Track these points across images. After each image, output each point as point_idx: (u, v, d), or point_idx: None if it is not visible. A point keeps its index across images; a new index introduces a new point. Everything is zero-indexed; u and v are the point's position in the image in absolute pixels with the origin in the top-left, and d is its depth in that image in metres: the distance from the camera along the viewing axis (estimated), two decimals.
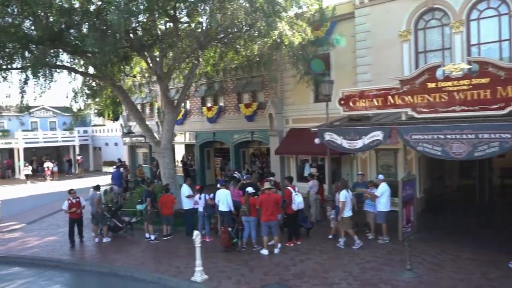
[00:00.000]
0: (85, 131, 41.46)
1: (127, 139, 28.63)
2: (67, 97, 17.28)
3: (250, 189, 12.00)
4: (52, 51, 14.36)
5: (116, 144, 38.89)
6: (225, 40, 15.58)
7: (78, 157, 38.81)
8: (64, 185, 30.80)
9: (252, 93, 21.52)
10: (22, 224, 17.17)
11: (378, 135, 11.18)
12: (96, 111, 40.33)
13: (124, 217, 14.35)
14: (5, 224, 17.40)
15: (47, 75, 15.62)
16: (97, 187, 14.97)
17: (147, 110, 29.19)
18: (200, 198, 13.18)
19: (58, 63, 15.61)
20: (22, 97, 15.33)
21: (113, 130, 39.32)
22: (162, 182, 16.32)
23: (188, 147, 26.08)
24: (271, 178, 14.26)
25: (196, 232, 9.67)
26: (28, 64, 15.21)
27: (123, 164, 25.41)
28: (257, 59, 16.32)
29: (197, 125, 24.43)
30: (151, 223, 13.60)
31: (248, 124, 21.51)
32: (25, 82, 15.03)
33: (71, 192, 13.75)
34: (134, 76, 20.07)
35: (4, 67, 14.32)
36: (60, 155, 41.40)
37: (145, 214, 13.76)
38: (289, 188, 12.30)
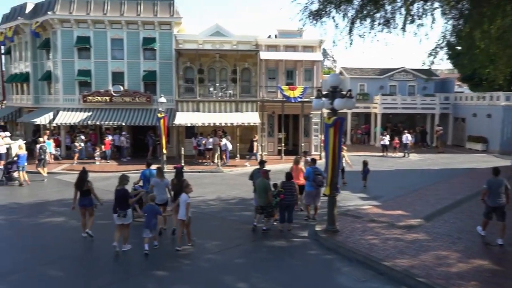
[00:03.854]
0: (446, 98, 35.20)
1: None
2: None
3: None
4: None
5: (489, 115, 30.78)
6: None
7: (438, 128, 33.14)
8: (424, 162, 26.00)
9: None
10: (417, 219, 12.75)
11: None
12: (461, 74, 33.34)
13: None
14: (396, 213, 13.50)
15: None
16: (497, 171, 10.60)
17: None
18: None
19: None
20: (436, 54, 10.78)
21: (487, 98, 31.19)
22: None
23: None
24: None
25: None
26: None
27: None
28: None
29: None
30: None
31: None
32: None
33: None
34: None
35: None
36: (414, 124, 36.93)
37: None
38: None
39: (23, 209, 14.49)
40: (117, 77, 26.89)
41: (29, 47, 28.94)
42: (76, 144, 24.35)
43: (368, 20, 11.40)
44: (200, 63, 26.84)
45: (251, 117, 25.53)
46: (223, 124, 25.08)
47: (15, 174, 18.36)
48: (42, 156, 19.47)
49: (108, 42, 26.70)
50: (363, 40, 11.74)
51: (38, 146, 19.86)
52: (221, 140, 23.98)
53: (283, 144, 26.79)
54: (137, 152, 26.89)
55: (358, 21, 11.35)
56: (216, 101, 26.17)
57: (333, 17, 11.39)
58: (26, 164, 18.28)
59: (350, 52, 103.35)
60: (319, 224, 12.28)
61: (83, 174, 11.20)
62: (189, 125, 25.24)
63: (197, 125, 25.18)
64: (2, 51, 33.27)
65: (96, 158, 23.68)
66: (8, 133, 24.58)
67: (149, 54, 27.10)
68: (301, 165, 14.08)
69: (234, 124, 25.11)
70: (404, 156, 27.98)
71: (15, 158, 18.38)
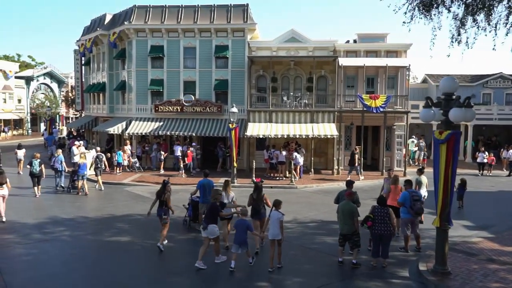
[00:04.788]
0: None
1: None
2: None
3: None
4: None
5: None
6: None
7: None
8: None
9: None
10: None
11: None
12: None
13: None
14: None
15: None
16: None
17: None
18: None
19: None
20: None
21: None
22: None
23: None
24: None
25: None
26: None
27: None
28: None
29: None
30: None
31: None
32: None
33: None
34: None
35: None
36: (511, 137, 32.57)
37: None
38: None
39: (89, 224, 13.73)
40: (189, 86, 26.31)
41: (106, 57, 29.44)
42: (162, 152, 24.09)
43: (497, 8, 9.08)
44: (274, 71, 25.42)
45: (327, 129, 23.51)
46: (297, 136, 23.32)
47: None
48: (98, 165, 19.51)
49: (181, 51, 26.24)
50: (494, 33, 9.39)
51: (94, 155, 19.73)
52: (291, 153, 22.22)
53: (361, 158, 24.41)
54: (207, 164, 25.93)
55: (480, 11, 9.09)
56: (289, 111, 24.52)
57: (449, 7, 9.20)
58: (86, 173, 18.37)
59: (422, 56, 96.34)
60: (422, 261, 10.04)
61: (165, 184, 11.27)
62: (261, 136, 23.83)
63: (269, 136, 23.69)
64: (82, 62, 34.47)
65: (180, 171, 22.99)
66: (82, 142, 24.80)
67: (221, 63, 26.23)
68: (401, 185, 11.97)
69: (310, 136, 23.26)
70: (509, 175, 24.37)
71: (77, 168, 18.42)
